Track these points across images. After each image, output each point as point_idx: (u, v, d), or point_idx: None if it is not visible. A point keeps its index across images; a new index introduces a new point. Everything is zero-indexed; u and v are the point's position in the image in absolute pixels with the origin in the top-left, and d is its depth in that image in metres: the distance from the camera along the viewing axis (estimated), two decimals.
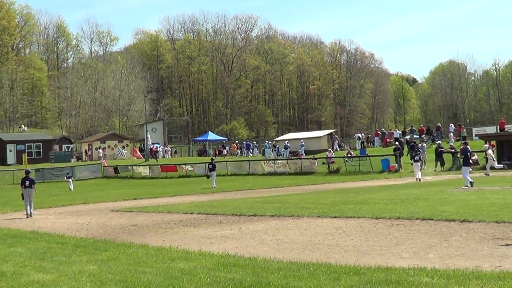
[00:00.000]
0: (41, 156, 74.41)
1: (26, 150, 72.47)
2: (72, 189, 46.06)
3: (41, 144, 76.82)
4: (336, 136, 66.84)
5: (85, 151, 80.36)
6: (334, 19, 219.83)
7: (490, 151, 38.08)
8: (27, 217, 25.28)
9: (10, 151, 73.78)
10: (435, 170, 42.43)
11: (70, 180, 48.07)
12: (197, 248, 13.29)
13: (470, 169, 34.48)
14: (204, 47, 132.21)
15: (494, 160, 37.60)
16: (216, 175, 52.22)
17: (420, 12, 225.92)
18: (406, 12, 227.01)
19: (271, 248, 13.10)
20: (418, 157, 36.42)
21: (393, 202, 20.90)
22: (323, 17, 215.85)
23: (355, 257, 11.15)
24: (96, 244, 14.93)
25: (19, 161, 68.77)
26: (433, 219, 15.68)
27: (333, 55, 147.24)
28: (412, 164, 38.26)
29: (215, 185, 40.54)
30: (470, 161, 41.64)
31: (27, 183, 26.17)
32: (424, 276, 8.92)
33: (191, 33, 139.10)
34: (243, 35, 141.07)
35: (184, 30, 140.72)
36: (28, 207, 25.69)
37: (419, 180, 34.96)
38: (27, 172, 27.47)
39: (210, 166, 42.02)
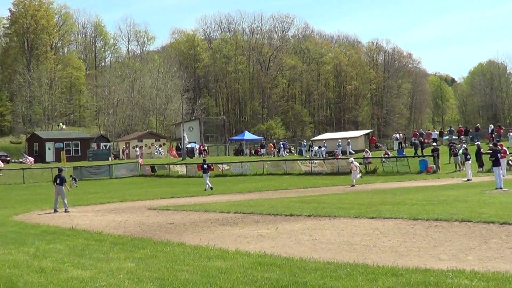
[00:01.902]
0: (79, 154, 75.20)
1: (65, 148, 73.19)
2: (74, 186, 44.10)
3: (79, 142, 77.65)
4: (349, 140, 66.09)
5: (123, 150, 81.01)
6: (372, 18, 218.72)
7: (356, 163, 39.77)
8: (54, 212, 26.62)
9: (49, 149, 74.75)
10: (479, 171, 41.75)
11: (75, 183, 46.76)
12: (233, 247, 13.30)
13: (504, 173, 34.30)
14: (240, 47, 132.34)
15: (358, 172, 39.22)
16: (253, 175, 52.61)
17: (459, 11, 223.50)
18: (444, 12, 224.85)
19: (307, 248, 13.06)
20: (469, 156, 36.56)
21: (431, 203, 20.70)
22: (360, 17, 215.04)
23: (392, 258, 11.07)
24: (134, 242, 15.04)
25: (57, 159, 69.52)
26: (472, 221, 15.48)
27: (370, 55, 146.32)
28: (462, 163, 38.87)
29: (212, 186, 38.84)
30: (510, 162, 41.40)
31: (58, 180, 27.32)
32: (463, 279, 8.81)
33: (228, 33, 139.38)
34: (279, 34, 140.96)
35: (221, 29, 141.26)
36: (57, 203, 26.93)
37: (471, 180, 35.09)
38: (60, 170, 28.52)
39: (206, 166, 39.96)
